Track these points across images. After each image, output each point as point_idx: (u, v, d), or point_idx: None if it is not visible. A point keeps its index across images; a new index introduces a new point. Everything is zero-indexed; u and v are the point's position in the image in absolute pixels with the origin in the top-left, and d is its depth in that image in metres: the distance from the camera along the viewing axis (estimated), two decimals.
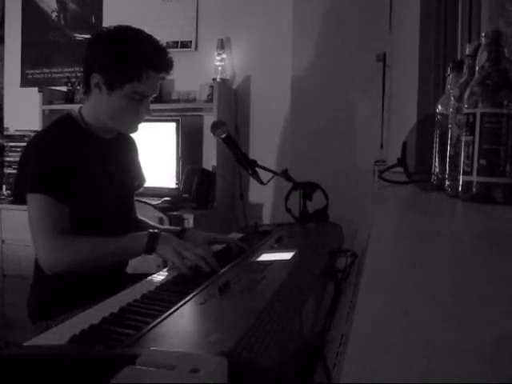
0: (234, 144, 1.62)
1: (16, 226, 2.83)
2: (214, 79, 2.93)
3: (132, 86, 1.31)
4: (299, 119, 2.84)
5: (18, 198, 1.30)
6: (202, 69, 3.01)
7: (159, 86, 1.41)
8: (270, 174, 1.61)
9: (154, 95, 1.39)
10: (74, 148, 1.32)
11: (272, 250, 1.15)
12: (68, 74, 3.48)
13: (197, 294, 0.80)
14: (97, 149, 1.40)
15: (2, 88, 3.72)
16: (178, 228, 1.55)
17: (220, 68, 2.98)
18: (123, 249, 1.25)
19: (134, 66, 1.31)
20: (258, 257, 1.07)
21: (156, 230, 1.24)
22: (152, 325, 0.64)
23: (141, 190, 1.65)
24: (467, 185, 0.80)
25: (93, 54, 1.35)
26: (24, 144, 3.43)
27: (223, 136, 1.60)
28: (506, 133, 0.76)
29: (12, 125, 3.60)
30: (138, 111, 1.37)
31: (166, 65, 1.35)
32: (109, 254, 1.24)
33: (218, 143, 2.63)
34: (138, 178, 1.60)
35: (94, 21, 3.44)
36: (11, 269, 2.92)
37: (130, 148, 1.57)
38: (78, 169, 1.31)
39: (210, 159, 2.92)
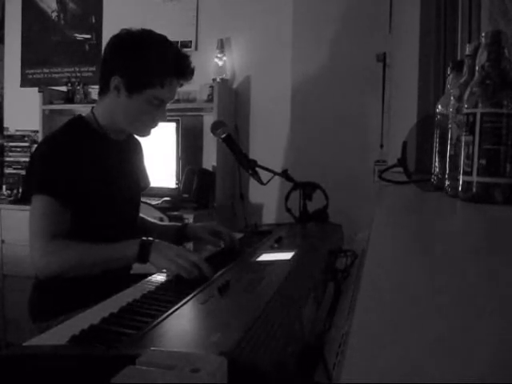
0: (234, 144, 1.62)
1: (16, 225, 2.82)
2: (214, 79, 2.93)
3: (153, 91, 1.32)
4: (299, 119, 2.84)
5: (25, 199, 1.30)
6: (202, 69, 3.00)
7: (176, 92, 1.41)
8: (270, 174, 1.61)
9: (172, 101, 1.39)
10: (83, 150, 1.32)
11: (272, 249, 1.15)
12: (68, 74, 3.48)
13: (197, 294, 0.80)
14: (108, 150, 1.39)
15: (2, 88, 3.72)
16: (178, 224, 1.54)
17: (220, 68, 2.99)
18: (114, 257, 1.22)
19: (157, 72, 1.31)
20: (258, 257, 1.07)
21: (150, 238, 1.21)
22: (152, 325, 0.64)
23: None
24: (467, 185, 0.80)
25: (115, 56, 1.34)
26: (24, 144, 3.47)
27: (223, 136, 1.60)
28: (506, 133, 0.76)
29: (12, 125, 3.60)
30: (154, 116, 1.37)
31: (188, 73, 1.37)
32: (99, 262, 1.22)
33: (218, 143, 2.63)
34: (144, 179, 1.60)
35: (93, 21, 3.44)
36: (11, 269, 2.92)
37: (138, 150, 1.58)
38: (86, 170, 1.30)
39: (209, 159, 2.92)
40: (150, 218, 1.64)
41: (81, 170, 1.29)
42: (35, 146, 3.20)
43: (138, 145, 1.59)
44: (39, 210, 1.24)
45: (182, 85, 1.39)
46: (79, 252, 1.22)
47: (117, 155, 1.42)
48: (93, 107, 1.42)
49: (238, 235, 1.56)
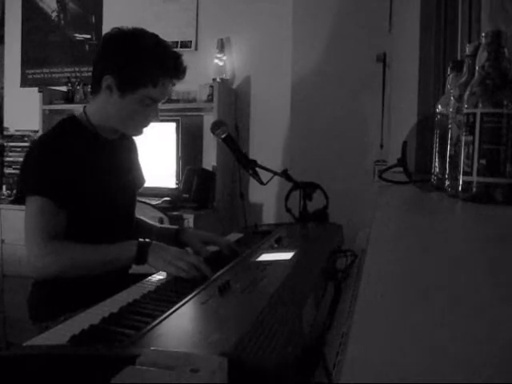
0: (234, 144, 1.63)
1: (16, 226, 2.82)
2: (214, 79, 2.93)
3: (145, 91, 1.31)
4: (299, 119, 2.84)
5: (20, 200, 1.30)
6: (202, 69, 3.01)
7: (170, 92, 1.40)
8: (270, 174, 1.61)
9: (164, 101, 1.39)
10: (77, 150, 1.31)
11: (272, 249, 1.15)
12: (68, 74, 3.48)
13: (197, 294, 0.80)
14: (101, 149, 1.39)
15: (2, 88, 3.72)
16: (175, 227, 1.54)
17: (220, 68, 2.99)
18: (112, 259, 1.22)
19: (150, 71, 1.30)
20: (258, 257, 1.07)
21: (147, 240, 1.21)
22: (152, 325, 0.64)
23: (140, 189, 1.65)
24: (467, 185, 0.80)
25: (107, 56, 1.33)
26: (24, 144, 3.47)
27: (223, 136, 1.60)
28: (506, 133, 0.76)
29: (12, 125, 3.60)
30: (147, 115, 1.37)
31: (180, 72, 1.36)
32: (97, 264, 1.22)
33: (218, 143, 2.63)
34: (139, 178, 1.60)
35: (93, 21, 3.44)
36: (11, 269, 2.92)
37: (131, 148, 1.57)
38: (81, 170, 1.30)
39: (210, 159, 2.92)
40: (147, 220, 1.64)
41: (74, 170, 1.28)
42: None
43: (132, 143, 1.58)
44: (35, 211, 1.24)
45: (174, 84, 1.38)
46: (76, 254, 1.22)
47: (110, 154, 1.42)
48: (85, 106, 1.42)
49: (238, 235, 1.56)
